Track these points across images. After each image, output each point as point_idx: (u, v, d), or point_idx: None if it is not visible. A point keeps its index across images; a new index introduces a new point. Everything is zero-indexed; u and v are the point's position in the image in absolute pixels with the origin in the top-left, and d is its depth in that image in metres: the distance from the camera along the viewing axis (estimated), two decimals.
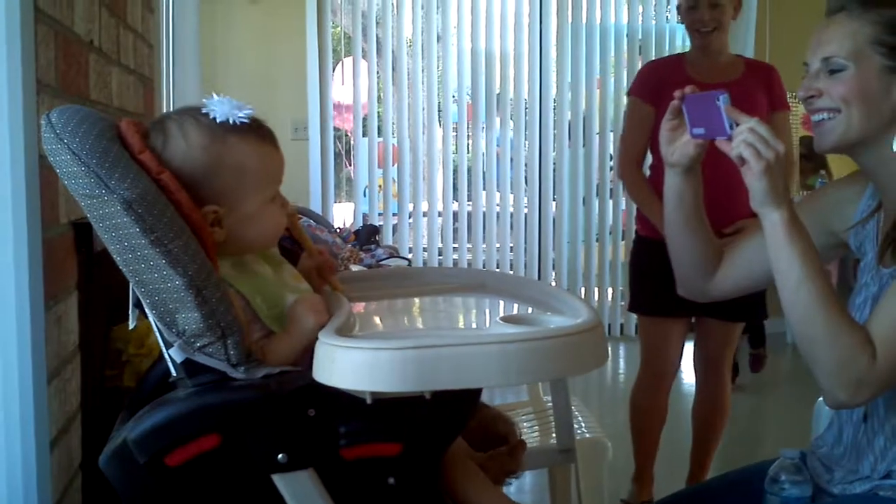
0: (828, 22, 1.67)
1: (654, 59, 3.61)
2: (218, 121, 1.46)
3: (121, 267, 1.37)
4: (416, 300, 1.83)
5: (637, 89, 3.30)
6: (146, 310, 1.40)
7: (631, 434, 3.47)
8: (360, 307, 1.73)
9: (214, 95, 1.49)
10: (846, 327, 1.53)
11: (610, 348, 6.34)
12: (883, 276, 1.66)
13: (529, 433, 2.54)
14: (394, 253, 5.00)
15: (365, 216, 6.46)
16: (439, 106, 6.50)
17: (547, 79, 6.57)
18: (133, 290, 1.42)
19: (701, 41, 3.20)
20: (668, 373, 3.41)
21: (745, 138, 1.54)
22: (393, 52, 6.42)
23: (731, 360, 3.48)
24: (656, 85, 3.16)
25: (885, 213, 1.70)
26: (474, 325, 1.77)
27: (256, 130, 1.50)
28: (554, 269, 6.72)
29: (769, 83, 3.23)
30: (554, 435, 2.21)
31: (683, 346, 3.42)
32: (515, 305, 1.72)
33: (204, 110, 1.47)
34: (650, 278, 3.25)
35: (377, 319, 1.75)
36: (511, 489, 3.42)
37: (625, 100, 6.51)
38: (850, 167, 1.84)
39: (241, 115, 1.47)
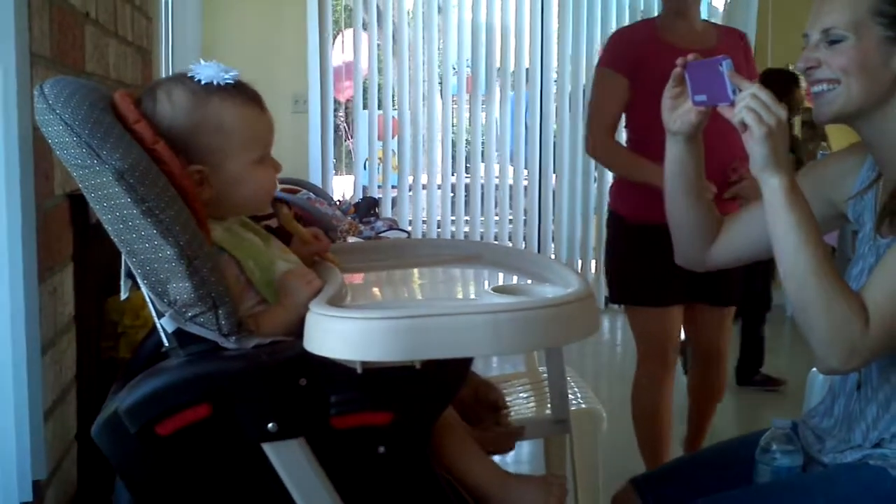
0: None
1: (621, 27, 3.29)
2: (202, 83, 1.47)
3: (112, 237, 1.37)
4: (415, 271, 1.84)
5: (609, 60, 3.05)
6: (138, 280, 1.41)
7: (637, 441, 3.20)
8: (357, 278, 1.74)
9: (202, 61, 1.50)
10: (841, 294, 1.53)
11: (607, 321, 6.38)
12: (880, 247, 1.66)
13: (525, 404, 2.55)
14: (393, 225, 5.01)
15: (364, 189, 6.46)
16: (440, 78, 6.48)
17: (548, 50, 6.54)
18: (125, 260, 1.42)
19: (678, 5, 2.96)
20: (670, 366, 3.14)
21: (747, 104, 1.54)
22: (394, 23, 6.39)
23: (728, 348, 3.28)
24: (630, 55, 2.95)
25: (885, 183, 1.70)
26: (468, 296, 1.77)
27: (241, 91, 1.51)
28: (554, 241, 6.71)
29: (746, 51, 3.08)
30: (549, 406, 2.21)
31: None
32: (507, 276, 1.73)
33: (190, 74, 1.49)
34: (638, 264, 3.04)
35: (375, 290, 1.75)
36: (508, 459, 3.44)
37: None
38: (849, 139, 1.83)
39: (226, 77, 1.48)
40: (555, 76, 6.59)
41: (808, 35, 1.68)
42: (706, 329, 3.21)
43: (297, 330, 1.35)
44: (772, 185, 1.55)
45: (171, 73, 4.04)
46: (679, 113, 1.72)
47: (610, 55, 3.08)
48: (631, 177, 3.02)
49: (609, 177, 6.66)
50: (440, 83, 6.50)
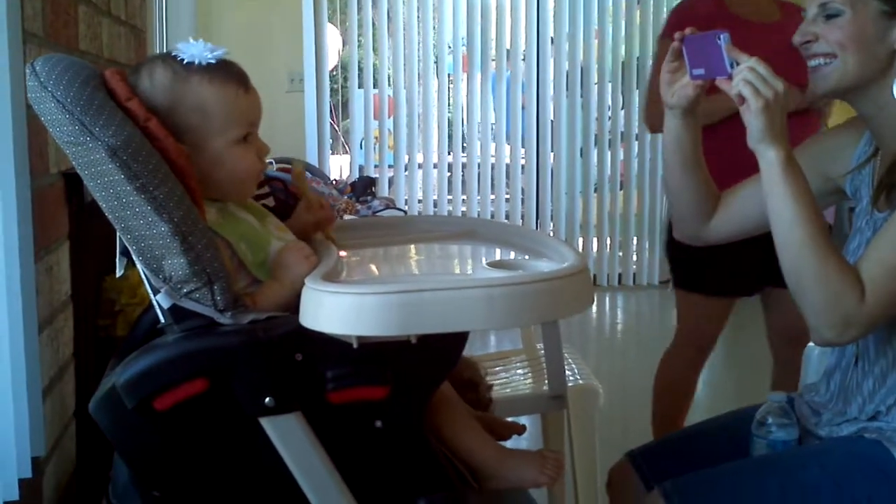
0: None
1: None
2: (185, 62, 1.47)
3: (107, 214, 1.37)
4: (411, 248, 1.84)
5: (671, 32, 2.95)
6: (133, 257, 1.41)
7: (652, 415, 3.13)
8: (353, 255, 1.74)
9: (190, 40, 1.50)
10: (836, 266, 1.54)
11: (607, 299, 6.39)
12: (877, 221, 1.66)
13: (523, 381, 2.55)
14: (390, 204, 5.00)
15: (361, 168, 6.45)
16: (435, 57, 6.46)
17: (545, 28, 6.52)
18: (120, 237, 1.43)
19: None
20: (708, 348, 3.10)
21: (744, 76, 1.54)
22: (388, 1, 6.36)
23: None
24: (697, 26, 2.86)
25: (882, 158, 1.70)
26: (464, 271, 1.78)
27: (223, 70, 1.49)
28: (552, 220, 6.71)
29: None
30: (546, 382, 2.22)
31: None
32: (504, 252, 1.73)
33: (174, 53, 1.48)
34: (710, 253, 2.93)
35: (371, 266, 1.76)
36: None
37: (623, 50, 6.53)
38: (847, 114, 1.83)
39: (209, 56, 1.47)
40: (552, 55, 6.57)
41: (806, 10, 1.68)
42: (787, 313, 2.90)
43: (294, 305, 1.35)
44: (768, 158, 1.55)
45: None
46: (677, 87, 1.72)
47: (672, 27, 2.93)
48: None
49: (608, 156, 6.68)
50: (436, 62, 6.47)
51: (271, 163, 2.98)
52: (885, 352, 1.65)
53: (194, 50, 1.47)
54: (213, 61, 1.47)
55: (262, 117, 1.56)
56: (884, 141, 1.69)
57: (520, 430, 1.87)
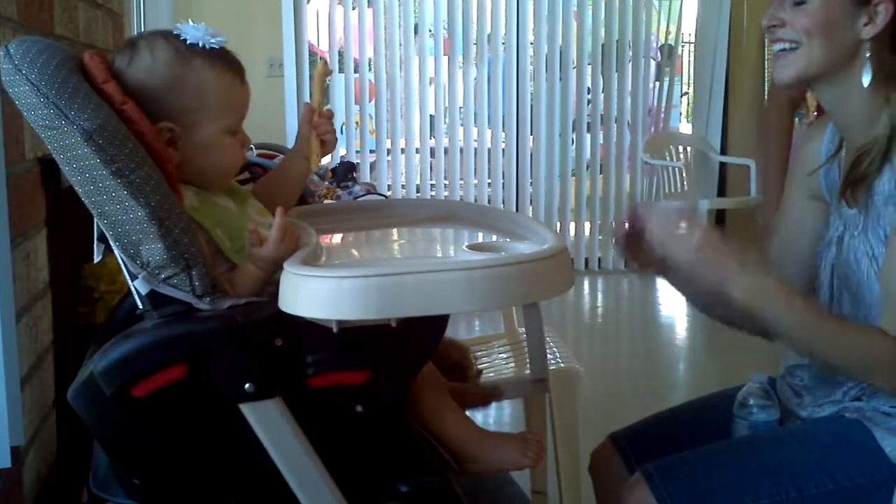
0: None
1: None
2: (188, 42, 1.47)
3: (83, 199, 1.36)
4: (392, 231, 1.83)
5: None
6: (110, 242, 1.40)
7: None
8: (333, 239, 1.73)
9: (190, 21, 1.49)
10: (856, 337, 1.56)
11: (586, 283, 6.40)
12: (846, 217, 1.66)
13: (505, 365, 2.55)
14: (371, 190, 4.98)
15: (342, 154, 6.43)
16: (416, 40, 6.44)
17: (524, 12, 6.51)
18: (97, 223, 1.41)
19: None
20: None
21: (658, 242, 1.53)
22: None
23: None
24: None
25: (846, 152, 1.70)
26: (445, 254, 1.77)
27: (225, 58, 1.50)
28: (532, 203, 6.71)
29: None
30: (528, 366, 2.22)
31: None
32: (485, 234, 1.72)
33: (175, 32, 1.48)
34: None
35: (351, 250, 1.75)
36: (490, 420, 3.46)
37: (602, 33, 6.53)
38: None
39: (212, 41, 1.48)
40: (531, 38, 6.56)
41: None
42: None
43: (273, 291, 1.35)
44: (736, 300, 1.50)
45: None
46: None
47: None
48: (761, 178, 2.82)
49: (587, 140, 6.67)
50: (417, 46, 6.45)
51: (251, 149, 2.98)
52: None
53: (197, 32, 1.47)
54: (216, 46, 1.48)
55: None
56: (848, 133, 1.69)
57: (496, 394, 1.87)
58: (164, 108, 1.45)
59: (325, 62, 1.70)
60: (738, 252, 1.52)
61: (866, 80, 1.60)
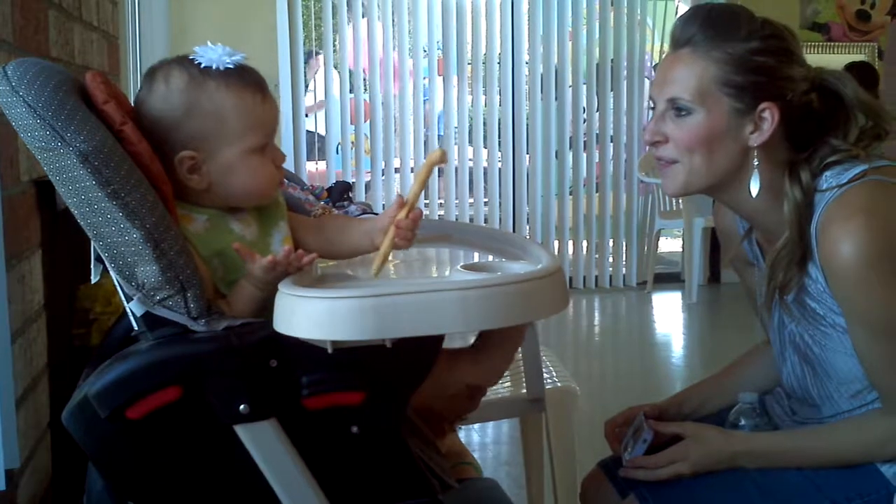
0: (673, 58, 1.59)
1: None
2: (202, 66, 1.44)
3: (79, 220, 1.36)
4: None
5: None
6: (106, 264, 1.39)
7: None
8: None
9: (209, 43, 1.47)
10: (846, 432, 1.62)
11: (584, 301, 6.41)
12: (779, 306, 1.68)
13: (501, 384, 2.55)
14: (367, 210, 4.97)
15: (337, 173, 6.43)
16: (411, 62, 6.45)
17: (519, 31, 6.54)
18: (93, 245, 1.41)
19: None
20: None
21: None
22: (363, 5, 6.36)
23: None
24: None
25: (756, 238, 1.73)
26: (440, 274, 1.77)
27: (241, 77, 1.47)
28: (528, 222, 6.72)
29: None
30: (525, 385, 2.22)
31: None
32: (480, 254, 1.73)
33: (192, 56, 1.46)
34: None
35: (347, 271, 1.75)
36: (487, 439, 3.46)
37: (597, 52, 6.55)
38: None
39: (227, 61, 1.45)
40: (526, 57, 6.58)
41: (655, 101, 1.61)
42: None
43: (269, 311, 1.34)
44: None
45: (139, 58, 4.01)
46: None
47: None
48: None
49: (583, 158, 6.69)
50: (412, 67, 6.47)
51: None
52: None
53: (212, 54, 1.45)
54: (231, 66, 1.45)
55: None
56: (752, 222, 1.70)
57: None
58: (185, 135, 1.43)
59: (444, 152, 1.56)
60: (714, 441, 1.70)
61: (754, 189, 1.56)
